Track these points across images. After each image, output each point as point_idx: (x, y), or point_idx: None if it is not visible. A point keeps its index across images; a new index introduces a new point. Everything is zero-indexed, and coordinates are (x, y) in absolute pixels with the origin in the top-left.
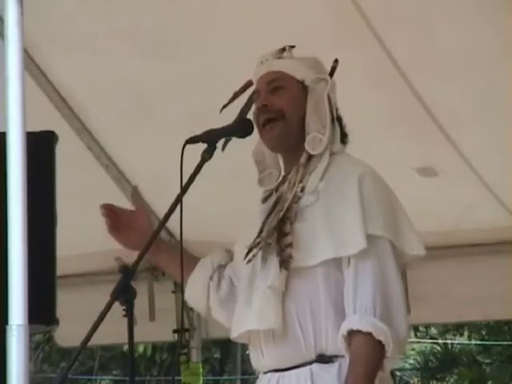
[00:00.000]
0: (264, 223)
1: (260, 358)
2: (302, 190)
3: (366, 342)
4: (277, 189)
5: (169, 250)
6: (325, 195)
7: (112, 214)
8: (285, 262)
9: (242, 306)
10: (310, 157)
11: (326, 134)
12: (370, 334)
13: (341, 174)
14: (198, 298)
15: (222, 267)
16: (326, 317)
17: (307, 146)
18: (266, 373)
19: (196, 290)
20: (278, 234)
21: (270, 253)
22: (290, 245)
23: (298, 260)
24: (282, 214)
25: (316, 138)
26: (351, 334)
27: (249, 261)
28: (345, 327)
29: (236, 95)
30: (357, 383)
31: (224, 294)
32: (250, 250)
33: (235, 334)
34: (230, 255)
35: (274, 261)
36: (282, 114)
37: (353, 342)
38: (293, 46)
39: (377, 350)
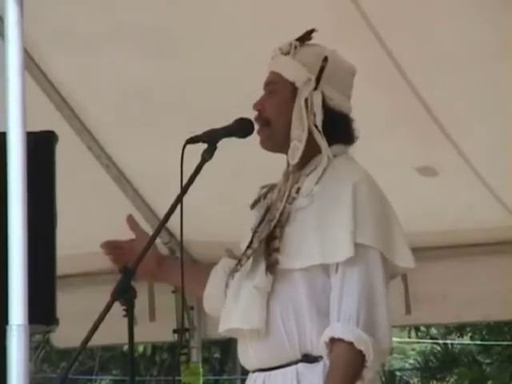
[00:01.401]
0: (255, 232)
1: (247, 356)
2: (298, 191)
3: (347, 351)
4: (265, 196)
5: (175, 266)
6: (319, 199)
7: (114, 248)
8: (270, 267)
9: (230, 302)
10: (304, 162)
11: (303, 140)
12: (351, 343)
13: (336, 179)
14: (220, 309)
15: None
16: (311, 319)
17: (289, 155)
18: (253, 372)
19: (216, 301)
20: (268, 237)
21: (260, 254)
22: (277, 250)
23: (284, 263)
24: (273, 224)
25: (295, 145)
26: (333, 341)
27: (236, 271)
28: (327, 334)
29: None
30: None
31: None
32: (240, 260)
33: (221, 329)
34: (232, 255)
35: (261, 263)
36: (268, 123)
37: (334, 350)
38: (309, 34)
39: (357, 359)
